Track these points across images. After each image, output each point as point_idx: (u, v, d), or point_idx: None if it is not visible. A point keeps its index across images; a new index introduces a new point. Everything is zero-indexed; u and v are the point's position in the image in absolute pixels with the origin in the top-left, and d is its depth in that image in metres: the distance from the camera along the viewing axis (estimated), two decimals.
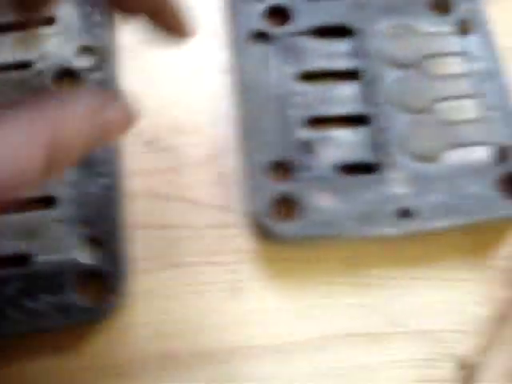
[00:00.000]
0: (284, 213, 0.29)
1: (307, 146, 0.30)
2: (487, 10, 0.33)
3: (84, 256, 0.29)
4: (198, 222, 0.30)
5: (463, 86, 0.32)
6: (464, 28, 0.32)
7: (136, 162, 0.31)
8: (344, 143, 0.31)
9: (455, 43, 0.32)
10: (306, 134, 0.31)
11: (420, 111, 0.31)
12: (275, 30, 0.33)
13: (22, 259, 0.29)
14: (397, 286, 0.30)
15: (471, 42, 0.32)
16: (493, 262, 0.30)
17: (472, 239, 0.31)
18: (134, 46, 0.33)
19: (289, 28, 0.33)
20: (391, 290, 0.30)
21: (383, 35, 0.32)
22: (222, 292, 0.29)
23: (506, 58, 0.32)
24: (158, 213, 0.30)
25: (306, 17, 0.33)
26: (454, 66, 0.32)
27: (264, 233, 0.29)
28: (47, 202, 0.30)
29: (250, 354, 0.28)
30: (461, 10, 0.33)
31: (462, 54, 0.32)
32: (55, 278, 0.28)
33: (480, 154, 0.30)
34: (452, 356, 0.29)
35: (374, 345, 0.29)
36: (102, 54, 0.32)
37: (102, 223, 0.29)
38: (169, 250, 0.30)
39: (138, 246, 0.30)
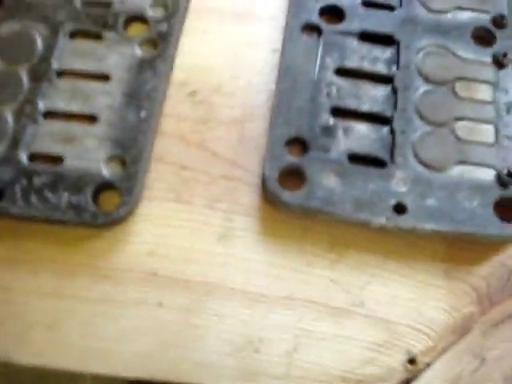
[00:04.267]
0: (291, 183, 0.32)
1: (329, 131, 0.33)
2: None
3: (107, 170, 0.32)
4: (212, 171, 0.34)
5: (487, 112, 0.33)
6: (501, 62, 0.34)
7: (174, 108, 0.35)
8: (362, 136, 0.33)
9: (489, 73, 0.34)
10: (330, 120, 0.33)
11: (439, 125, 0.33)
12: (328, 26, 0.36)
13: (56, 160, 0.33)
14: (370, 273, 0.32)
15: (505, 75, 0.34)
16: (469, 278, 0.32)
17: (455, 252, 0.32)
18: (201, 10, 0.37)
19: (339, 27, 0.36)
20: (364, 274, 0.32)
21: (423, 52, 0.35)
22: (214, 234, 0.32)
23: None
24: (181, 154, 0.34)
25: (359, 21, 0.36)
26: (484, 93, 0.34)
27: (268, 195, 0.32)
28: (90, 118, 0.34)
29: (222, 292, 0.31)
30: (503, 46, 0.35)
31: (494, 84, 0.34)
32: (78, 182, 0.32)
33: (485, 174, 0.32)
34: (402, 349, 0.30)
35: (333, 318, 0.31)
36: (173, 10, 0.36)
37: (131, 148, 0.33)
38: (180, 187, 0.33)
39: (155, 176, 0.33)
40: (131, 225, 0.32)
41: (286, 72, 0.34)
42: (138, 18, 0.36)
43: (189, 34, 0.37)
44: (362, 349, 0.31)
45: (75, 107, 0.34)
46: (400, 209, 0.31)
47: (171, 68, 0.35)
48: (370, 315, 0.31)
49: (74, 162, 0.32)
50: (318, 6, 0.36)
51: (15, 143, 0.33)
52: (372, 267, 0.32)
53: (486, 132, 0.33)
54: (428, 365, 0.31)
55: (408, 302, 0.31)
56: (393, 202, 0.31)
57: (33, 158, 0.33)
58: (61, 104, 0.34)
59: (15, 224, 0.32)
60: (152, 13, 0.36)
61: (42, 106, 0.34)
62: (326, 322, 0.31)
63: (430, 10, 0.37)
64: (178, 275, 0.31)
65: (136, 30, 0.36)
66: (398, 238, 0.32)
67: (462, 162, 0.33)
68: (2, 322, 0.31)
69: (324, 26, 0.36)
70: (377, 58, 0.35)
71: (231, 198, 0.33)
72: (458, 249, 0.32)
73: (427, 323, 0.31)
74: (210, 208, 0.33)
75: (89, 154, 0.33)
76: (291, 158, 0.32)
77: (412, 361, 0.31)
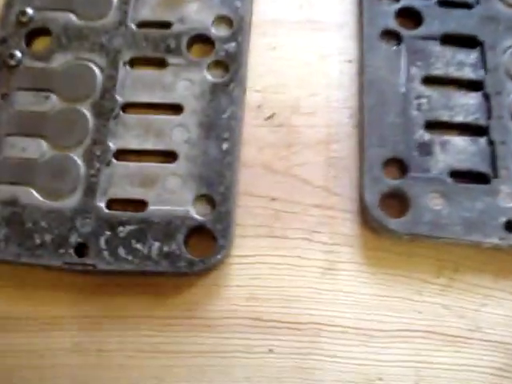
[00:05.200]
0: (393, 208, 0.30)
1: (426, 148, 0.31)
2: None
3: (196, 211, 0.30)
4: (304, 200, 0.31)
5: None
6: None
7: (253, 134, 0.32)
8: (461, 150, 0.31)
9: None
10: (425, 136, 0.31)
11: None
12: (406, 31, 0.33)
13: (138, 205, 0.30)
14: (484, 295, 0.30)
15: None
16: None
17: None
18: (264, 23, 0.35)
19: (419, 31, 0.33)
20: (478, 297, 0.30)
21: (510, 52, 0.33)
22: (316, 269, 0.30)
23: None
24: (267, 184, 0.32)
25: (438, 23, 0.34)
26: None
27: (371, 223, 0.30)
28: (168, 155, 0.31)
29: (333, 332, 0.29)
30: None
31: None
32: (167, 228, 0.29)
33: None
34: None
35: (451, 346, 0.29)
36: (237, 27, 0.33)
37: (217, 184, 0.30)
38: (272, 221, 0.31)
39: (244, 211, 0.31)
40: (226, 267, 0.30)
41: (371, 86, 0.32)
42: (202, 37, 0.33)
43: (256, 51, 0.34)
44: (484, 375, 0.29)
45: (149, 144, 0.31)
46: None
47: (245, 91, 0.33)
48: (487, 339, 0.30)
49: (158, 205, 0.30)
50: (393, 10, 0.34)
51: (91, 190, 0.30)
52: (484, 288, 0.30)
53: None
54: None
55: None
56: (503, 219, 0.30)
57: (112, 204, 0.30)
58: (133, 142, 0.31)
59: (104, 279, 0.30)
60: (216, 31, 0.33)
61: (112, 145, 0.31)
62: (444, 351, 0.29)
63: (509, 5, 0.34)
64: (284, 317, 0.30)
65: (200, 51, 0.33)
66: (507, 254, 0.31)
67: None
68: None
69: (403, 31, 0.33)
70: (462, 63, 0.33)
71: (329, 228, 0.31)
72: None
73: None
74: (308, 240, 0.31)
75: (173, 195, 0.30)
76: (391, 181, 0.30)
77: None
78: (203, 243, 0.30)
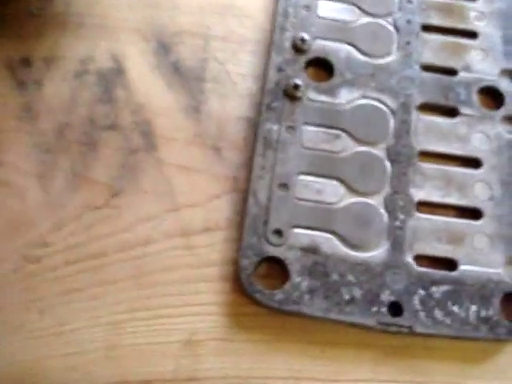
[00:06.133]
0: None
1: None
2: None
3: (508, 275, 0.29)
4: None
5: None
6: None
7: None
8: None
9: None
10: None
11: None
12: None
13: (446, 263, 0.29)
14: None
15: None
16: None
17: None
18: None
19: None
20: None
21: None
22: None
23: None
24: None
25: None
26: None
27: None
28: (471, 212, 0.30)
29: None
30: None
31: None
32: (481, 290, 0.28)
33: None
34: None
35: None
36: None
37: None
38: None
39: None
40: None
41: None
42: (490, 89, 0.32)
43: None
44: None
45: (452, 198, 0.30)
46: None
47: None
48: None
49: (469, 265, 0.28)
50: None
51: (397, 244, 0.28)
52: None
53: None
54: None
55: None
56: None
57: (418, 260, 0.29)
58: (434, 194, 0.30)
59: (407, 340, 0.28)
60: (503, 84, 0.32)
61: (413, 196, 0.29)
62: None
63: None
64: None
65: (486, 103, 0.32)
66: None
67: None
68: None
69: None
70: None
71: None
72: None
73: None
74: None
75: (483, 256, 0.29)
76: None
77: None
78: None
